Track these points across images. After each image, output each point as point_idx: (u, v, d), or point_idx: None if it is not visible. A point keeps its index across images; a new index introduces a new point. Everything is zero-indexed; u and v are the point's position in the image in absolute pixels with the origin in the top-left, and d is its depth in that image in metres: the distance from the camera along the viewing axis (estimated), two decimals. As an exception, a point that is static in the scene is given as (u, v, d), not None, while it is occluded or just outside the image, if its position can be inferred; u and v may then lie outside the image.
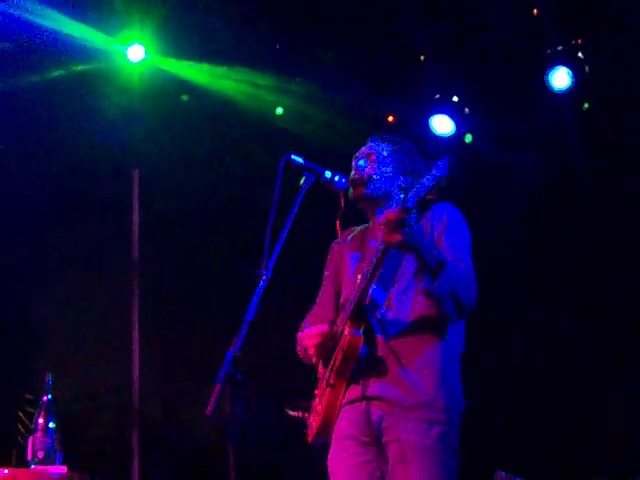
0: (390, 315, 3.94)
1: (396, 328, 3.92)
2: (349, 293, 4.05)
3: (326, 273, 4.40)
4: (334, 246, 4.39)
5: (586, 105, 7.90)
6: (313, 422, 4.05)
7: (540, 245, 8.34)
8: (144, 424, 7.23)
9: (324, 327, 4.02)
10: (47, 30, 6.82)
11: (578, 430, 7.93)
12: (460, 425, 3.94)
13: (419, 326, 3.91)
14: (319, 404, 4.03)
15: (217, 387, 3.29)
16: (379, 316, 3.94)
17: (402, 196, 3.52)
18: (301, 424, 4.12)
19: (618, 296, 7.90)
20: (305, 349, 4.08)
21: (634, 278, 7.82)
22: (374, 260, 3.78)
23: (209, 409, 3.27)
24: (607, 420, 7.83)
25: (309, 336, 4.04)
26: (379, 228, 3.63)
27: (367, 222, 4.33)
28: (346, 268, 4.24)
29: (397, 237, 3.55)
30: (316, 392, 4.11)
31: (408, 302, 3.93)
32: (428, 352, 3.89)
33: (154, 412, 9.71)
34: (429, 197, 3.84)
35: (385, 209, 4.04)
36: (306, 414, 4.12)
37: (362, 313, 3.88)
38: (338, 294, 4.26)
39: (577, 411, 7.95)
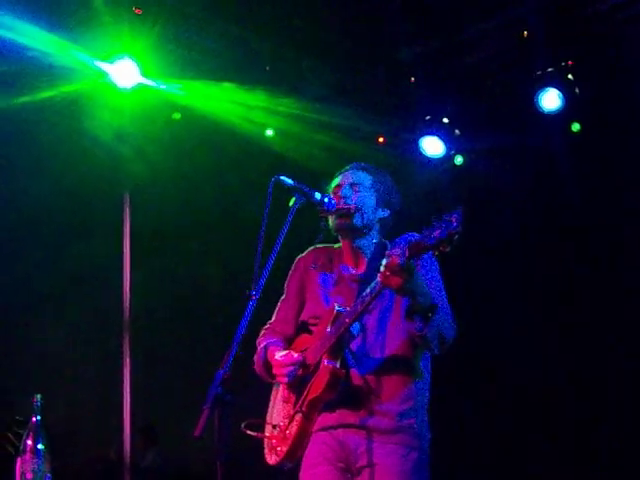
0: (364, 347, 3.98)
1: (370, 361, 3.96)
2: (317, 312, 4.10)
3: (288, 289, 4.38)
4: (300, 262, 4.38)
5: (576, 126, 7.91)
6: (278, 446, 4.05)
7: (530, 264, 8.35)
8: (133, 445, 7.18)
9: (297, 357, 4.03)
10: (37, 51, 6.82)
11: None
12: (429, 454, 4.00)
13: (393, 361, 3.96)
14: (287, 429, 4.03)
15: (205, 410, 3.28)
16: (353, 348, 3.97)
17: (412, 240, 3.50)
18: (258, 444, 4.13)
19: (605, 315, 7.91)
20: (271, 372, 4.10)
21: (623, 294, 7.85)
22: (366, 299, 3.78)
23: (197, 431, 3.26)
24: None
25: (281, 365, 4.04)
26: (383, 273, 3.59)
27: (334, 243, 4.33)
28: (314, 286, 4.24)
29: (398, 282, 3.57)
30: (278, 415, 4.12)
31: (383, 335, 3.96)
32: (402, 385, 3.95)
33: (143, 434, 9.68)
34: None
35: (363, 242, 4.14)
36: (265, 435, 4.11)
37: (342, 347, 3.90)
38: (300, 311, 4.27)
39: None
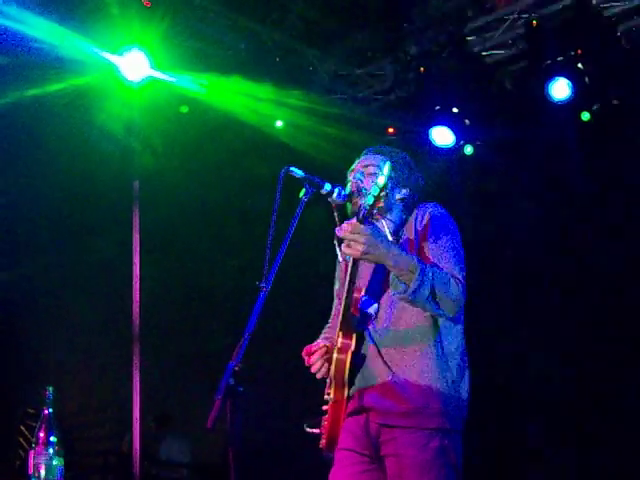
0: (381, 325, 3.95)
1: (387, 338, 3.92)
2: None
3: (335, 288, 4.42)
4: (341, 262, 4.36)
5: (586, 115, 7.90)
6: (323, 438, 4.06)
7: (540, 255, 8.34)
8: (145, 438, 7.20)
9: (317, 344, 4.05)
10: (46, 43, 6.83)
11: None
12: (462, 432, 3.91)
13: (409, 334, 3.90)
14: (325, 420, 4.04)
15: (217, 401, 3.29)
16: (371, 327, 3.95)
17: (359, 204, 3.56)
18: (315, 439, 4.12)
19: (613, 305, 7.91)
20: (309, 367, 4.10)
21: (634, 288, 7.83)
22: (348, 274, 3.79)
23: (209, 423, 3.26)
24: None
25: (306, 354, 4.05)
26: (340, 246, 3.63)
27: None
28: (344, 275, 4.25)
29: (357, 248, 3.56)
30: (325, 407, 4.12)
31: (397, 311, 3.92)
32: (420, 360, 3.87)
33: (155, 426, 9.70)
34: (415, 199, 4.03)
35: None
36: (321, 430, 4.12)
37: (350, 325, 3.90)
38: None
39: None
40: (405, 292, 3.66)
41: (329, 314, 4.48)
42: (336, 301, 4.43)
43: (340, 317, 3.91)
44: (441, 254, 3.88)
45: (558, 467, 8.02)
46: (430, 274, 3.67)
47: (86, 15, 6.88)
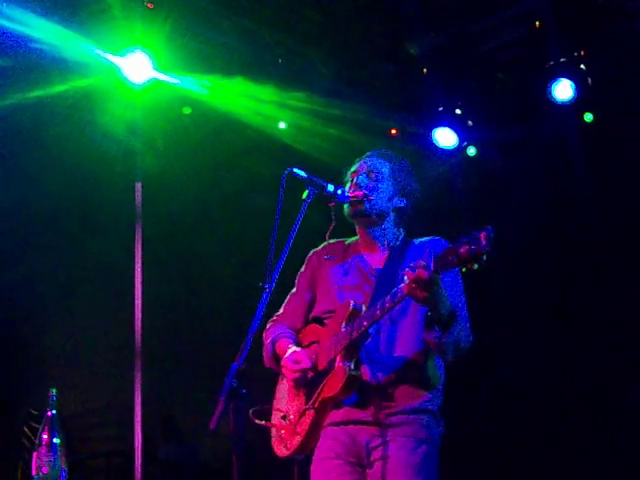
0: (378, 347, 3.97)
1: (383, 361, 3.95)
2: (329, 305, 4.09)
3: (300, 282, 4.38)
4: (312, 257, 4.37)
5: (589, 116, 7.89)
6: (287, 439, 4.06)
7: (542, 255, 8.33)
8: (146, 439, 7.20)
9: (307, 364, 4.01)
10: (49, 45, 6.84)
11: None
12: (439, 447, 4.01)
13: (406, 361, 3.95)
14: (297, 424, 4.03)
15: (220, 402, 3.29)
16: (367, 346, 3.96)
17: (437, 254, 3.44)
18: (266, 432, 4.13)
19: (615, 305, 7.90)
20: (284, 373, 4.10)
21: (634, 286, 7.82)
22: (386, 305, 3.74)
23: (212, 424, 3.26)
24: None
25: (289, 368, 4.04)
26: (408, 284, 3.55)
27: (352, 235, 4.33)
28: (325, 280, 4.23)
29: (425, 295, 3.56)
30: (286, 406, 4.13)
31: (397, 336, 3.96)
32: (413, 384, 3.95)
33: (157, 426, 9.71)
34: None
35: (378, 231, 4.14)
36: (273, 424, 4.11)
37: (357, 347, 3.90)
38: (310, 305, 4.26)
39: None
40: (439, 339, 3.72)
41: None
42: (295, 294, 4.35)
43: (350, 339, 3.85)
44: (458, 304, 3.94)
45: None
46: (459, 325, 3.76)
47: (89, 17, 6.88)
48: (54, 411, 3.93)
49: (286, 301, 4.39)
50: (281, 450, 4.11)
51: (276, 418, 4.16)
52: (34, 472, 3.91)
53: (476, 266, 3.27)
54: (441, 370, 4.07)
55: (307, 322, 4.26)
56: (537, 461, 8.07)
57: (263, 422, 4.14)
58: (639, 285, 7.78)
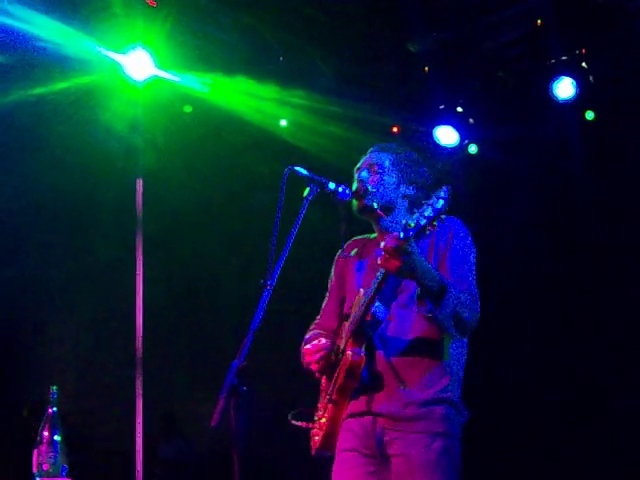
0: (390, 332, 3.96)
1: (396, 345, 3.94)
2: (352, 299, 4.09)
3: (330, 284, 4.41)
4: (339, 259, 4.39)
5: (590, 114, 7.89)
6: (316, 435, 4.06)
7: (543, 253, 8.33)
8: (147, 437, 7.21)
9: (325, 343, 4.04)
10: (50, 42, 6.84)
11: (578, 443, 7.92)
12: (461, 437, 3.96)
13: (419, 344, 3.93)
14: (322, 417, 4.04)
15: (221, 400, 3.29)
16: (380, 332, 3.95)
17: (404, 222, 3.53)
18: (305, 434, 4.12)
19: (614, 305, 7.90)
20: (307, 364, 4.10)
21: (634, 286, 7.82)
22: (375, 283, 3.79)
23: (214, 422, 3.26)
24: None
25: (310, 352, 4.05)
26: (381, 257, 3.63)
27: (372, 232, 4.33)
28: (351, 279, 4.25)
29: (396, 264, 3.58)
30: (319, 404, 4.12)
31: (409, 319, 3.93)
32: (427, 368, 3.92)
33: (158, 425, 9.71)
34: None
35: (388, 223, 4.12)
36: (310, 424, 4.12)
37: (364, 331, 3.90)
38: (342, 304, 4.27)
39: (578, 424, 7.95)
40: (431, 311, 3.69)
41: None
42: (327, 297, 4.42)
43: (356, 323, 3.89)
44: (463, 276, 3.93)
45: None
46: (456, 296, 3.73)
47: (90, 14, 6.88)
48: (55, 408, 3.92)
49: (322, 304, 4.44)
50: (312, 449, 4.10)
51: (312, 418, 4.17)
52: (35, 469, 3.91)
53: (436, 223, 3.48)
54: (459, 354, 4.02)
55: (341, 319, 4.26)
56: (537, 461, 8.07)
57: (299, 423, 4.13)
58: (638, 284, 7.78)
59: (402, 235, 3.51)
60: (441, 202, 3.46)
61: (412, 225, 3.48)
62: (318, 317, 4.44)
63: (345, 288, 4.28)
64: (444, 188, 3.50)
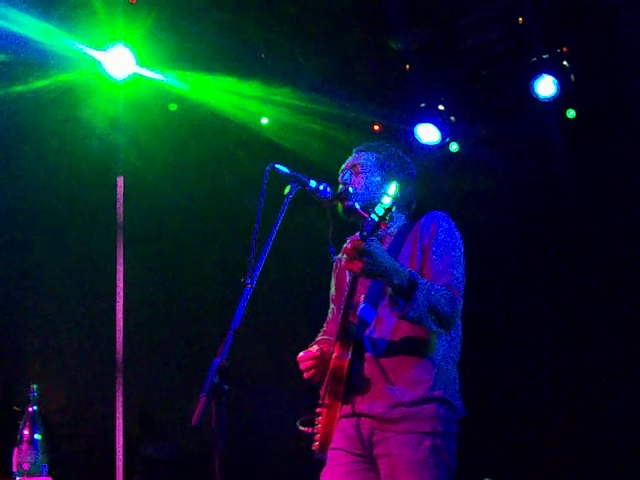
0: (378, 333, 3.96)
1: (384, 346, 3.93)
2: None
3: (331, 290, 4.44)
4: (337, 262, 4.39)
5: (571, 113, 7.91)
6: (316, 439, 4.08)
7: (525, 252, 8.35)
8: (128, 435, 7.18)
9: (316, 351, 4.04)
10: (30, 39, 6.80)
11: (572, 441, 7.92)
12: (457, 434, 3.96)
13: (406, 343, 3.93)
14: (319, 422, 4.06)
15: (202, 398, 3.28)
16: (368, 334, 3.95)
17: (363, 221, 3.58)
18: (309, 439, 4.13)
19: (600, 302, 7.92)
20: (301, 372, 4.11)
21: (618, 283, 7.84)
22: (347, 287, 3.84)
23: (194, 420, 3.25)
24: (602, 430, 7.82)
25: (301, 361, 4.06)
26: (345, 260, 3.67)
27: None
28: (345, 283, 4.26)
29: (358, 265, 3.59)
30: (318, 410, 4.12)
31: (394, 319, 3.92)
32: (415, 367, 3.91)
33: (138, 423, 9.68)
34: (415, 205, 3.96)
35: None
36: (314, 429, 4.13)
37: (349, 334, 3.91)
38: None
39: (572, 420, 7.95)
40: (403, 310, 3.67)
41: (318, 309, 4.48)
42: (332, 306, 4.44)
43: (339, 325, 3.90)
44: (444, 269, 3.92)
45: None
46: (428, 292, 3.70)
47: (70, 10, 6.84)
48: (35, 407, 3.91)
49: (328, 311, 4.46)
50: (314, 452, 4.10)
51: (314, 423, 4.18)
52: (15, 468, 3.90)
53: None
54: (449, 350, 4.01)
55: None
56: (537, 461, 8.08)
57: (306, 429, 4.13)
58: (625, 283, 7.80)
59: (360, 236, 3.55)
60: (389, 199, 3.51)
61: (371, 222, 3.54)
62: (325, 324, 4.47)
63: (342, 292, 4.27)
64: (391, 185, 3.54)
